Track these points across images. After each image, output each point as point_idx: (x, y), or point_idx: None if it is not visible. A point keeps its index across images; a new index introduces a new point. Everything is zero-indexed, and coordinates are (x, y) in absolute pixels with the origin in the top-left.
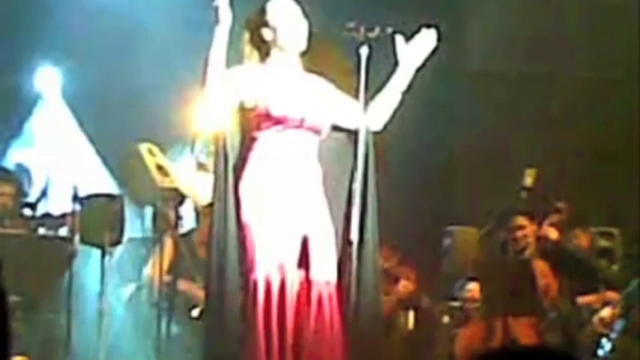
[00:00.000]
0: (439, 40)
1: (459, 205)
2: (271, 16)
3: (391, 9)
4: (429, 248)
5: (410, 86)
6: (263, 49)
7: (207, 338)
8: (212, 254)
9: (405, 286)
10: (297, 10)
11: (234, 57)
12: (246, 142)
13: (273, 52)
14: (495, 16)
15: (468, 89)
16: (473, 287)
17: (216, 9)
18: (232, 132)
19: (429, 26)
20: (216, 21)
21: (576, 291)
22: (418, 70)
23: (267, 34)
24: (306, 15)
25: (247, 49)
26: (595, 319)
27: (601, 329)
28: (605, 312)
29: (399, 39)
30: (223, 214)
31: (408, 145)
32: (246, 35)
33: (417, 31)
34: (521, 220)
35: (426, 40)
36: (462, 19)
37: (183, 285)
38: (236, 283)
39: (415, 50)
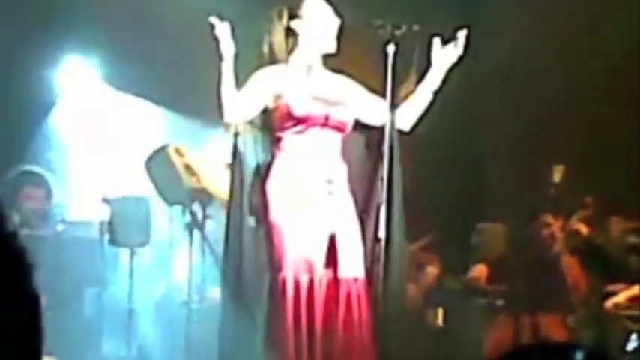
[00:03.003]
0: (468, 40)
1: (486, 202)
2: (304, 9)
3: (419, 6)
4: (456, 245)
5: (440, 87)
6: (290, 41)
7: (220, 341)
8: (228, 253)
9: (431, 272)
10: (329, 10)
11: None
12: (271, 142)
13: (300, 46)
14: (521, 15)
15: (495, 86)
16: (479, 267)
17: (217, 43)
18: (255, 132)
19: (460, 28)
20: (220, 57)
21: (606, 287)
22: (449, 70)
23: (296, 26)
24: (339, 14)
25: (276, 39)
26: (609, 303)
27: (626, 322)
28: (620, 297)
29: (436, 41)
30: (239, 214)
31: (435, 143)
32: (277, 26)
33: (454, 31)
34: (548, 217)
35: (461, 42)
36: (488, 17)
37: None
38: (252, 282)
39: (450, 52)
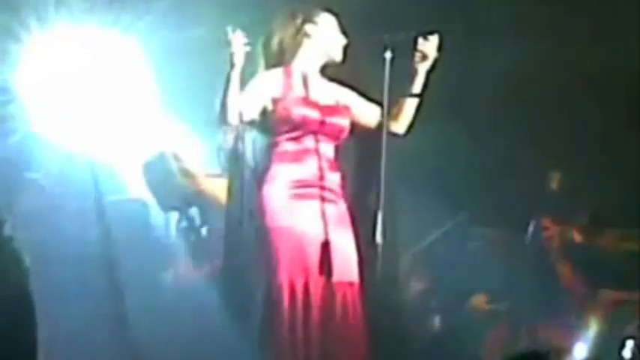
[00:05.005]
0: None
1: (485, 208)
2: (319, 18)
3: (416, 14)
4: (453, 250)
5: (427, 89)
6: (296, 42)
7: (217, 345)
8: (225, 257)
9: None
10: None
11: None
12: (268, 147)
13: (307, 49)
14: (521, 22)
15: (493, 91)
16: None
17: (231, 55)
18: (253, 136)
19: (432, 32)
20: (232, 65)
21: (601, 294)
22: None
23: (309, 29)
24: (337, 16)
25: (287, 35)
26: None
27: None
28: None
29: (420, 43)
30: (237, 218)
31: (430, 148)
32: (290, 24)
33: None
34: (546, 223)
35: (430, 45)
36: (488, 24)
37: None
38: (248, 286)
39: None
